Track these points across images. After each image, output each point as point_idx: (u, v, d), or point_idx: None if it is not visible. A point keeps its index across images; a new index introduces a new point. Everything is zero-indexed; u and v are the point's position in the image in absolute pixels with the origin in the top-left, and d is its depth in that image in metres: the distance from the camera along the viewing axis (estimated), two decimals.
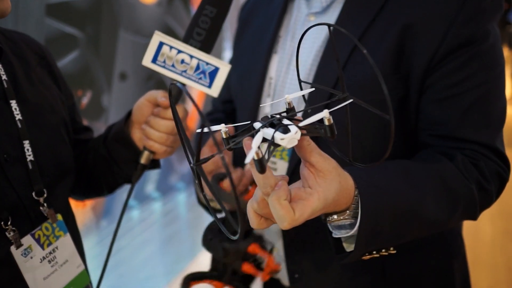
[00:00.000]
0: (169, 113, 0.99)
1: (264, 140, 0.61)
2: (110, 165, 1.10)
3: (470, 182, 0.86)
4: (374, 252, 0.80)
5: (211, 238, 0.82)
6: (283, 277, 1.06)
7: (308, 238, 0.99)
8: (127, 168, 1.09)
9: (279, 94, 1.06)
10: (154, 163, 1.11)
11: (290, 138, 0.60)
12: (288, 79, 1.05)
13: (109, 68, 2.31)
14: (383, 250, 0.80)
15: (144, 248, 2.82)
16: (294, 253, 1.01)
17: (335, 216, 0.73)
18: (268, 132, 0.60)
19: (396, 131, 0.91)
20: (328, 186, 0.66)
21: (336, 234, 0.76)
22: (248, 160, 0.55)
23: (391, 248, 0.81)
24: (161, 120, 0.99)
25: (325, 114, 0.60)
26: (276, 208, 0.62)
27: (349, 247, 0.78)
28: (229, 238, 0.74)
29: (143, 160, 1.04)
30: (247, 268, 0.83)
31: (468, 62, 0.88)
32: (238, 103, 1.18)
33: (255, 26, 1.18)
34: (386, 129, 0.89)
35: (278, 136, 0.59)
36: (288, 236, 1.00)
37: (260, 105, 1.08)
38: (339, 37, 0.94)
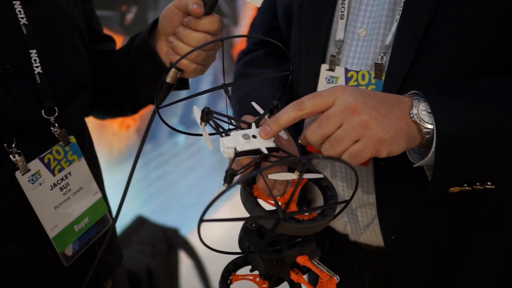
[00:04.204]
0: (201, 23, 0.84)
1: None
2: (132, 81, 0.97)
3: None
4: (465, 185, 0.74)
5: (249, 247, 0.67)
6: (371, 238, 0.97)
7: (402, 196, 0.90)
8: (151, 86, 0.96)
9: (354, 15, 0.89)
10: (182, 83, 0.98)
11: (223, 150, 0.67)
12: None
13: None
14: (477, 184, 0.73)
15: (190, 175, 2.78)
16: (389, 213, 0.91)
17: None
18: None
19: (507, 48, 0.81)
20: None
21: (418, 162, 0.73)
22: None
23: (488, 183, 0.73)
24: (192, 31, 0.84)
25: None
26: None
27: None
28: (271, 248, 0.67)
29: (169, 78, 0.88)
30: (295, 278, 0.68)
31: None
32: (299, 28, 0.97)
33: None
34: (493, 58, 0.79)
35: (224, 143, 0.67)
36: (381, 195, 0.90)
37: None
38: None
